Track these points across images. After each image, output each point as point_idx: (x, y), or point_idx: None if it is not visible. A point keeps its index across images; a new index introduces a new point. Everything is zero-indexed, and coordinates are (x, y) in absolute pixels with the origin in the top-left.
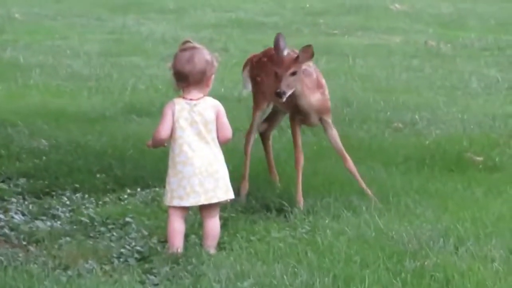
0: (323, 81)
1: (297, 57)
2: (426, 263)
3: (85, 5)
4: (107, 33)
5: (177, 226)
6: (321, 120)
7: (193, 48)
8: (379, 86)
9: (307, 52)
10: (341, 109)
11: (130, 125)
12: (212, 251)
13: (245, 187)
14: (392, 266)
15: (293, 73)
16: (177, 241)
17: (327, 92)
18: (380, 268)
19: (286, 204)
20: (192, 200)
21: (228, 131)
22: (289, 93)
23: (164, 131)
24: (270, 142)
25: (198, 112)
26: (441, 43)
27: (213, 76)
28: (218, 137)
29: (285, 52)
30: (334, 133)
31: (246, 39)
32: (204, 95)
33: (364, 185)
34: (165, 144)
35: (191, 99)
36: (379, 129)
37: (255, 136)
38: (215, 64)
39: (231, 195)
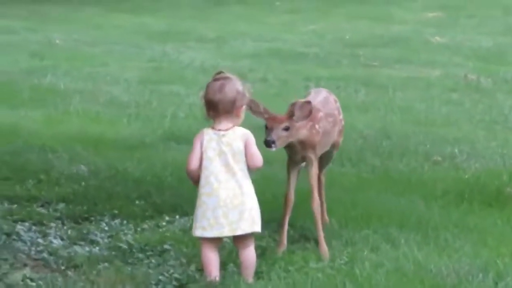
0: (320, 114)
1: (292, 115)
2: None
3: (124, 33)
4: (146, 60)
5: (210, 256)
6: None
7: (225, 78)
8: (419, 119)
9: (304, 110)
10: (380, 141)
11: (169, 153)
12: (250, 280)
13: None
14: None
15: (286, 128)
16: (213, 270)
17: (318, 126)
18: None
19: (325, 235)
20: (216, 232)
21: (257, 160)
22: (278, 146)
23: (192, 162)
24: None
25: (227, 142)
26: (481, 77)
27: (244, 107)
28: (248, 166)
29: (263, 110)
30: (313, 171)
31: (285, 69)
32: (234, 126)
33: (321, 233)
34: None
35: (219, 130)
36: (418, 162)
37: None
38: (247, 94)
39: (256, 228)
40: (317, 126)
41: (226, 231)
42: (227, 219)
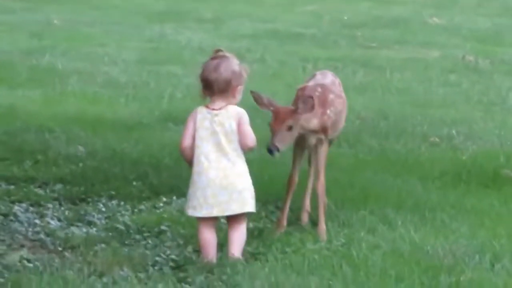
0: (331, 96)
1: (296, 109)
2: (461, 278)
3: (122, 13)
4: (144, 41)
5: (207, 236)
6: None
7: (222, 57)
8: (416, 100)
9: (308, 104)
10: (377, 122)
11: (166, 133)
12: (236, 255)
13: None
14: (427, 281)
15: (289, 128)
16: (210, 251)
17: (329, 111)
18: (415, 282)
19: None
20: (205, 211)
21: (249, 139)
22: (282, 149)
23: (185, 141)
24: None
25: (219, 122)
26: (479, 58)
27: (240, 87)
28: (240, 145)
29: (267, 102)
30: (323, 153)
31: (283, 50)
32: (228, 105)
33: (323, 215)
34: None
35: (213, 109)
36: (416, 143)
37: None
38: (244, 75)
39: (247, 209)
40: (328, 112)
41: (215, 212)
42: (216, 199)
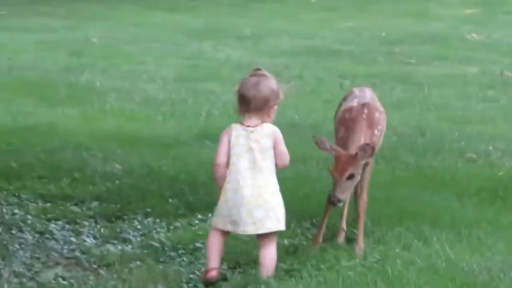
0: (376, 115)
1: (356, 155)
2: None
3: (162, 31)
4: (183, 58)
5: (213, 240)
6: None
7: (262, 75)
8: (454, 116)
9: (367, 151)
10: (414, 138)
11: (203, 151)
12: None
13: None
14: None
15: (350, 177)
16: (214, 259)
17: (377, 131)
18: None
19: (356, 232)
20: (242, 229)
21: (285, 158)
22: (345, 198)
23: (220, 158)
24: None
25: (255, 139)
26: None
27: (276, 107)
28: (276, 164)
29: (329, 147)
30: (368, 168)
31: (321, 66)
32: (263, 123)
33: (362, 233)
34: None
35: (248, 126)
36: (453, 159)
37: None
38: (281, 95)
39: (281, 227)
40: (376, 132)
41: (251, 229)
42: (252, 217)
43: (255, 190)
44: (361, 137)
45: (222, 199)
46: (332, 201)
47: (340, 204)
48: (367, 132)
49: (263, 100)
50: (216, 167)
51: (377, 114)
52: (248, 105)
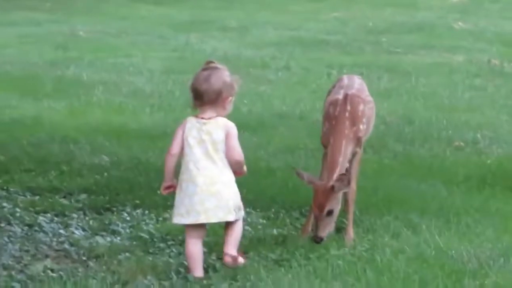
0: (360, 107)
1: (332, 188)
2: (486, 282)
3: (148, 23)
4: (170, 50)
5: (193, 249)
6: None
7: (213, 68)
8: (441, 105)
9: (344, 181)
10: (402, 127)
11: None
12: (231, 252)
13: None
14: (451, 285)
15: (329, 213)
16: (197, 266)
17: (361, 126)
18: (439, 287)
19: (346, 222)
20: (192, 219)
21: (236, 153)
22: (328, 233)
23: (173, 149)
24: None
25: (207, 131)
26: (504, 62)
27: (231, 98)
28: (227, 158)
29: (307, 179)
30: (357, 162)
31: (308, 57)
32: (218, 116)
33: (351, 222)
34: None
35: (202, 118)
36: (441, 147)
37: None
38: (235, 86)
39: (231, 218)
40: (361, 126)
41: (202, 218)
42: (203, 206)
43: (207, 179)
44: (342, 140)
45: (177, 190)
46: (316, 241)
47: (325, 240)
48: (350, 131)
49: (216, 93)
50: (167, 156)
51: (361, 107)
52: (201, 99)
